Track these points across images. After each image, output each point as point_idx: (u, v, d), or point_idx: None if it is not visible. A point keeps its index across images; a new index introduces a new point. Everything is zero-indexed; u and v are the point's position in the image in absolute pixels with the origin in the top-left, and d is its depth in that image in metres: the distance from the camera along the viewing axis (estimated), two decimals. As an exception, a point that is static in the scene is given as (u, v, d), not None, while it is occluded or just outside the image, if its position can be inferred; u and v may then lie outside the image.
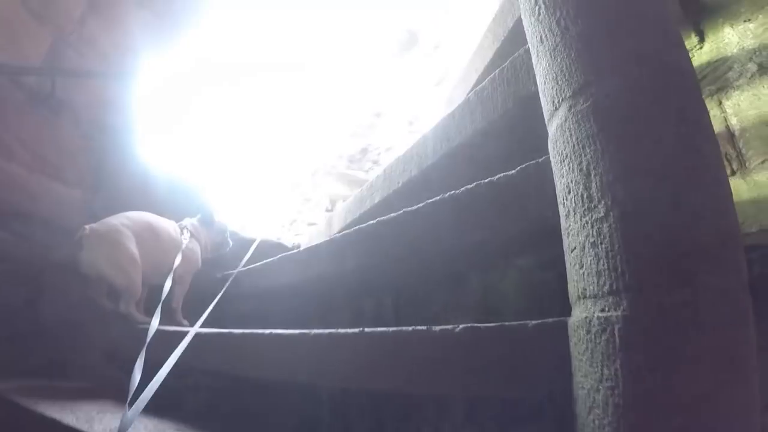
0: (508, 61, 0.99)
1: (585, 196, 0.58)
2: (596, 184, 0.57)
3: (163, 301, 1.35)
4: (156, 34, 2.04)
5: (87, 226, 1.43)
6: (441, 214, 0.91)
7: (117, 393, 1.32)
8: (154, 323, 1.09)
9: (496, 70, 1.02)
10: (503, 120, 0.99)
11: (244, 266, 1.84)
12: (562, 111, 0.64)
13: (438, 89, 4.61)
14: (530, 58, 0.92)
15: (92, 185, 1.72)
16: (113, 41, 1.83)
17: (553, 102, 0.66)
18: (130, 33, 1.88)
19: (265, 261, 1.54)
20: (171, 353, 1.05)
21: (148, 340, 1.01)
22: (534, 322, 0.65)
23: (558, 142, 0.64)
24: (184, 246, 1.61)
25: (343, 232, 1.15)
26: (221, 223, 1.92)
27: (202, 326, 1.14)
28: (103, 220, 1.48)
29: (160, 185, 1.89)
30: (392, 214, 1.01)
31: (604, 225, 0.55)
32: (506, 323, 0.67)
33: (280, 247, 2.30)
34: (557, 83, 0.66)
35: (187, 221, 1.78)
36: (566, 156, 0.62)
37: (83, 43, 1.73)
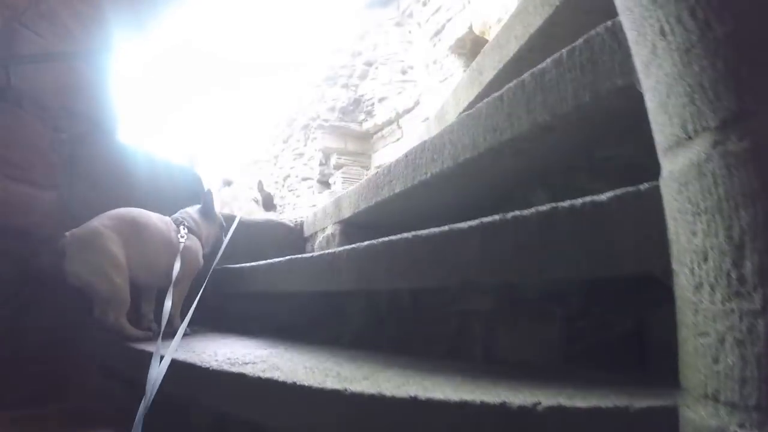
0: (581, 40, 0.82)
1: (734, 275, 0.45)
2: (753, 263, 0.44)
3: (161, 316, 1.25)
4: (131, 9, 1.77)
5: (68, 233, 1.32)
6: (500, 238, 0.79)
7: (118, 414, 1.25)
8: (154, 368, 0.99)
9: (564, 51, 0.85)
10: (574, 116, 0.84)
11: (228, 243, 1.72)
12: (701, 145, 0.49)
13: (438, 42, 4.26)
14: (618, 42, 0.75)
15: (67, 183, 1.53)
16: (78, 16, 1.57)
17: (684, 127, 0.52)
18: (98, 5, 1.61)
19: (271, 261, 1.42)
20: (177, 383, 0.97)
21: (157, 381, 0.92)
22: (638, 406, 0.55)
23: (689, 186, 0.51)
24: (182, 247, 1.46)
25: (366, 243, 1.02)
26: (222, 217, 1.80)
27: (215, 335, 1.04)
28: (85, 224, 1.35)
29: (143, 174, 1.72)
30: (434, 230, 0.88)
31: (759, 322, 0.43)
32: (602, 406, 0.56)
33: (281, 227, 2.18)
34: (693, 102, 0.51)
35: (183, 213, 1.63)
36: (704, 211, 0.49)
37: (41, 21, 1.48)
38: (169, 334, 1.39)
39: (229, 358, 1.05)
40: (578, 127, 0.90)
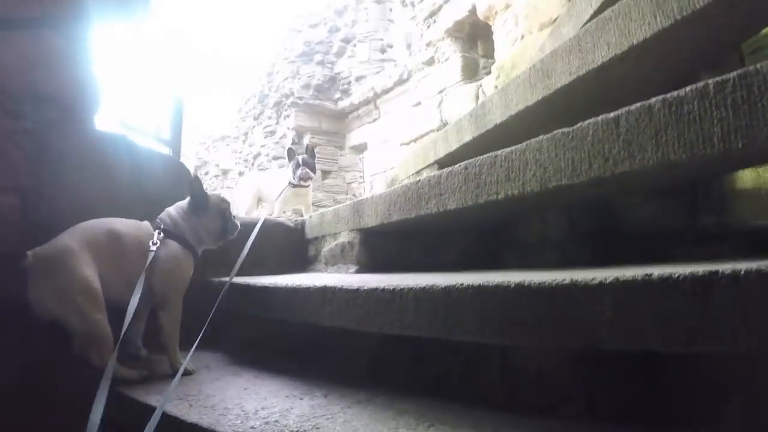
0: (734, 74, 0.74)
1: None
2: None
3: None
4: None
5: (30, 252, 1.09)
6: (642, 301, 0.70)
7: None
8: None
9: (710, 82, 0.76)
10: (715, 158, 0.74)
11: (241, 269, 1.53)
12: None
13: (433, 23, 4.04)
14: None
15: (33, 185, 1.27)
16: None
17: None
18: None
19: (293, 285, 1.26)
20: None
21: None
22: None
23: None
24: (151, 255, 1.24)
25: (445, 284, 0.89)
26: (218, 201, 1.50)
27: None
28: (51, 240, 1.14)
29: (125, 168, 1.48)
30: (548, 280, 0.77)
31: None
32: None
33: (279, 227, 2.00)
34: None
35: (164, 214, 1.40)
36: None
37: (2, -19, 1.19)
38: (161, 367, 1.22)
39: (266, 421, 0.90)
40: (709, 167, 0.80)
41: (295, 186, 2.99)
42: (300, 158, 3.06)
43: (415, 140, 4.20)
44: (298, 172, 2.98)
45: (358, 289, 1.07)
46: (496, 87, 3.11)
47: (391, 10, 6.78)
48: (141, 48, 1.99)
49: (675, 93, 0.78)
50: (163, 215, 1.39)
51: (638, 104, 0.82)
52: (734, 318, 0.62)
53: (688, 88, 0.77)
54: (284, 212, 3.15)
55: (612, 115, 0.86)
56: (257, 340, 1.52)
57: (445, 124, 3.95)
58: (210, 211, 1.46)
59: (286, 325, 1.39)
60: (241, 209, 3.50)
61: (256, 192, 3.36)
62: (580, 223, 1.70)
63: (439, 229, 1.58)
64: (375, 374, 1.22)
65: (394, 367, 1.20)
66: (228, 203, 1.56)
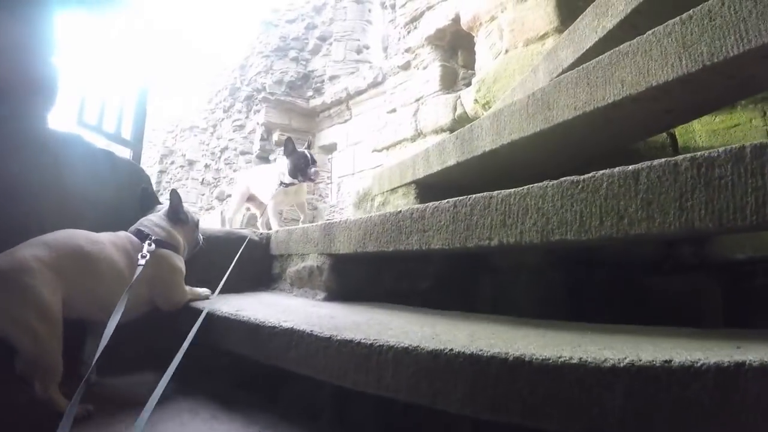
0: None
1: None
2: None
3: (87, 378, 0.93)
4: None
5: None
6: (659, 392, 0.62)
7: None
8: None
9: (747, 146, 0.69)
10: (746, 227, 0.66)
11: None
12: None
13: (414, 29, 3.92)
14: None
15: None
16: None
17: None
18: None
19: (251, 320, 1.14)
20: None
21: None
22: None
23: None
24: (138, 270, 1.14)
25: (432, 347, 0.78)
26: (192, 213, 1.51)
27: None
28: (9, 251, 1.01)
29: (82, 172, 1.32)
30: (552, 356, 0.68)
31: None
32: None
33: (244, 241, 1.82)
34: None
35: (147, 223, 1.33)
36: None
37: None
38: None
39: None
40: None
41: (287, 185, 2.54)
42: (309, 154, 2.52)
43: (388, 148, 4.08)
44: (311, 170, 2.49)
45: (330, 338, 0.93)
46: (476, 101, 3.04)
47: (370, 11, 6.67)
48: (106, 41, 1.78)
49: (706, 153, 0.70)
50: (148, 224, 1.34)
51: (662, 160, 0.74)
52: (758, 412, 0.56)
53: (721, 149, 0.69)
54: (280, 213, 2.80)
55: (631, 168, 0.77)
56: (216, 366, 1.37)
57: (420, 133, 3.85)
58: (189, 223, 1.47)
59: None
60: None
61: (246, 191, 2.95)
62: (557, 251, 1.64)
63: (415, 256, 1.48)
64: (339, 412, 1.11)
65: (359, 406, 1.09)
66: (198, 218, 1.56)
